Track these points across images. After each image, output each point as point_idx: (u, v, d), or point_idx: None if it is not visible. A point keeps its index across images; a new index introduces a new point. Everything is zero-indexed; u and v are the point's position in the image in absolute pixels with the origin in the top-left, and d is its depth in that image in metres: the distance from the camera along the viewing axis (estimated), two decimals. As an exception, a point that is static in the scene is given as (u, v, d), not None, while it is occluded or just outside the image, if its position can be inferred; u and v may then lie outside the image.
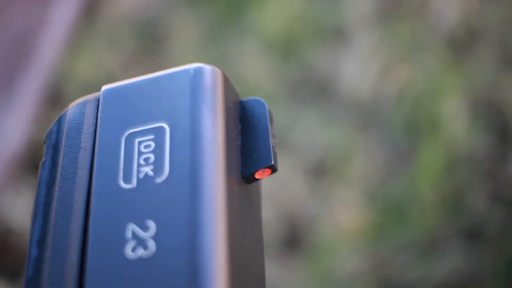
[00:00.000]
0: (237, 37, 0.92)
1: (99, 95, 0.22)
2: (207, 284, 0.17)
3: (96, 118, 0.21)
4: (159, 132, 0.20)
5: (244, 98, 0.23)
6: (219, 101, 0.20)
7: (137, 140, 0.20)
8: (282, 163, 0.81)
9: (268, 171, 0.21)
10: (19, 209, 0.77)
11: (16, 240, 0.76)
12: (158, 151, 0.20)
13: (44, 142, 0.22)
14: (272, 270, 0.75)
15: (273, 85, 0.88)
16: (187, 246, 0.18)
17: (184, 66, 0.21)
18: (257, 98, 0.23)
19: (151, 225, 0.18)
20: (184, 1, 0.97)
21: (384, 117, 0.86)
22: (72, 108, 0.22)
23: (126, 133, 0.20)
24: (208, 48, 0.92)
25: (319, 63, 0.90)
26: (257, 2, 0.94)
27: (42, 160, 0.21)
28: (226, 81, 0.21)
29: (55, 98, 0.83)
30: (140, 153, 0.20)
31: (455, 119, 0.84)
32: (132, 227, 0.18)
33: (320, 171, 0.83)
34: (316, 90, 0.89)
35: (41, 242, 0.20)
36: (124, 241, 0.18)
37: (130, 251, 0.18)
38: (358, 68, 0.89)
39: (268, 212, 0.79)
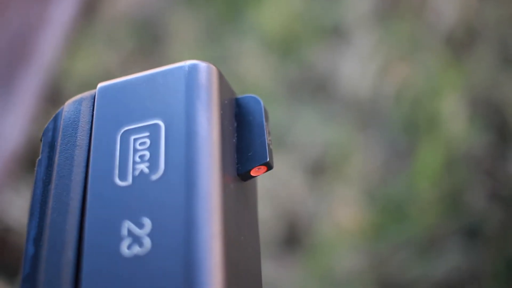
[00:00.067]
0: (236, 36, 0.92)
1: (95, 93, 0.22)
2: (202, 280, 0.17)
3: (92, 116, 0.21)
4: (154, 129, 0.20)
5: (243, 95, 0.23)
6: (214, 98, 0.20)
7: (132, 137, 0.20)
8: (281, 162, 0.81)
9: (263, 168, 0.21)
10: (18, 208, 0.77)
11: (15, 238, 0.76)
12: (153, 148, 0.20)
13: (41, 140, 0.22)
14: (271, 268, 0.75)
15: (272, 84, 0.88)
16: (183, 243, 0.18)
17: (179, 63, 0.21)
18: (253, 95, 0.23)
19: (147, 222, 0.18)
20: (183, 0, 0.97)
21: (383, 115, 0.86)
22: (68, 105, 0.22)
23: (122, 130, 0.20)
24: (207, 47, 0.92)
25: (318, 62, 0.90)
26: (256, 1, 0.94)
27: (39, 158, 0.21)
28: (221, 78, 0.21)
29: (54, 97, 0.83)
30: (135, 150, 0.20)
31: (454, 118, 0.84)
32: (127, 225, 0.19)
33: (319, 170, 0.83)
34: (315, 89, 0.89)
35: (37, 240, 0.20)
36: (120, 239, 0.18)
37: (125, 249, 0.18)
38: (357, 67, 0.89)
39: (267, 211, 0.79)
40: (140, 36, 0.94)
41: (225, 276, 0.18)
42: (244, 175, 0.21)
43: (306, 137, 0.84)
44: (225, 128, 0.21)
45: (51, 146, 0.21)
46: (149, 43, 0.94)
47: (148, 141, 0.20)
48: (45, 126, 0.22)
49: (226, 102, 0.21)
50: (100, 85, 0.22)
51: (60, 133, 0.21)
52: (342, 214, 0.79)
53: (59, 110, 0.22)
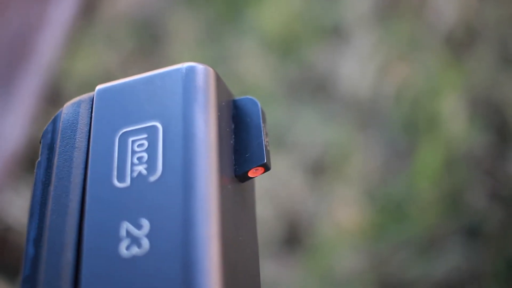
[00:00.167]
0: (236, 36, 0.92)
1: (93, 95, 0.22)
2: (200, 281, 0.17)
3: (90, 118, 0.21)
4: (152, 131, 0.20)
5: (241, 97, 0.23)
6: (212, 100, 0.21)
7: (130, 139, 0.20)
8: (281, 162, 0.81)
9: (261, 169, 0.22)
10: (19, 208, 0.77)
11: (15, 238, 0.76)
12: (151, 150, 0.20)
13: (40, 142, 0.22)
14: (271, 268, 0.75)
15: (272, 84, 0.88)
16: (181, 244, 0.18)
17: (176, 65, 0.21)
18: (250, 97, 0.23)
19: (145, 223, 0.19)
20: (183, 0, 0.97)
21: (383, 115, 0.86)
22: (66, 108, 0.22)
23: (120, 132, 0.20)
24: (207, 47, 0.92)
25: (318, 62, 0.90)
26: (256, 1, 0.94)
27: (38, 160, 0.21)
28: (218, 80, 0.21)
29: (54, 97, 0.84)
30: (133, 152, 0.20)
31: (454, 118, 0.84)
32: (126, 226, 0.19)
33: (319, 170, 0.83)
34: (315, 89, 0.89)
35: (37, 241, 0.20)
36: (119, 240, 0.18)
37: (124, 250, 0.18)
38: (357, 66, 0.89)
39: (267, 211, 0.79)
40: (140, 36, 0.94)
41: (223, 277, 0.18)
42: (241, 177, 0.22)
43: (306, 137, 0.85)
44: (223, 129, 0.21)
45: (50, 148, 0.21)
46: (149, 43, 0.94)
47: (146, 143, 0.20)
48: (44, 128, 0.22)
49: (223, 104, 0.21)
50: (98, 87, 0.22)
51: (59, 135, 0.21)
52: (342, 214, 0.79)
53: (58, 112, 0.22)
